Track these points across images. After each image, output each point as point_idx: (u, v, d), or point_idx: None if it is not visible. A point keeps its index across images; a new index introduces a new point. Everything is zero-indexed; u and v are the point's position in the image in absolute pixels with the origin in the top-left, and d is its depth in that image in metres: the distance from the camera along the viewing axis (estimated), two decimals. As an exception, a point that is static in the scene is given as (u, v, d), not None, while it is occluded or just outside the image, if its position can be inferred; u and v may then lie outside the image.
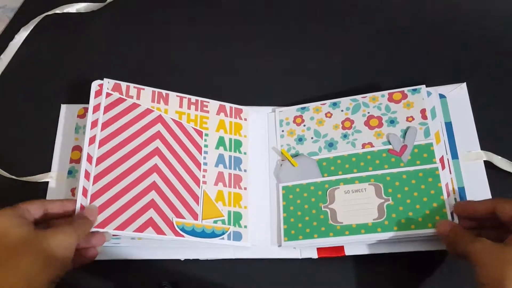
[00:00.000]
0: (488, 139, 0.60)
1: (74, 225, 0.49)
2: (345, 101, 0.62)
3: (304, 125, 0.63)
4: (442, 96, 0.61)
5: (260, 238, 0.59)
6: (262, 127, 0.65)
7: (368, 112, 0.61)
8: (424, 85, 0.60)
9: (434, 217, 0.53)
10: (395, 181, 0.56)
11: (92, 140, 0.57)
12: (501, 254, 0.41)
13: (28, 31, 0.76)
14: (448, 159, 0.57)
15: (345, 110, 0.62)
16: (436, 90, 0.62)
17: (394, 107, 0.60)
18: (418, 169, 0.55)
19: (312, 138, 0.62)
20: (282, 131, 0.64)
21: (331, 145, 0.61)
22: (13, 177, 0.64)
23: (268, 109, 0.67)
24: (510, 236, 0.44)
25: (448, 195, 0.54)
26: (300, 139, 0.62)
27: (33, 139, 0.68)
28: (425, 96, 0.59)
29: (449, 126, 0.60)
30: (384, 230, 0.54)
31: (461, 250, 0.46)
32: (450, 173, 0.56)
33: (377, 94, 0.62)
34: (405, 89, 0.61)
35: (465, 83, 0.63)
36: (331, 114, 0.62)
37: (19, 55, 0.75)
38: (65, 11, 0.77)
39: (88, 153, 0.56)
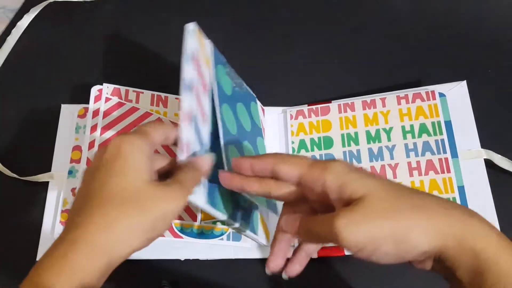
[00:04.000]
0: (489, 138, 0.60)
1: (184, 183, 0.40)
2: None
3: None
4: (442, 95, 0.61)
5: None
6: (273, 128, 0.65)
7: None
8: None
9: None
10: None
11: (91, 144, 0.57)
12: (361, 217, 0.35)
13: (32, 18, 0.76)
14: (447, 158, 0.57)
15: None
16: (436, 88, 0.62)
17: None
18: None
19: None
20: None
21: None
22: (14, 175, 0.64)
23: (279, 109, 0.66)
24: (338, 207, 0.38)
25: None
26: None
27: (33, 139, 0.68)
28: None
29: (448, 124, 0.59)
30: None
31: (321, 240, 0.40)
32: (450, 172, 0.56)
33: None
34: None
35: (465, 81, 0.63)
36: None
37: (19, 55, 0.75)
38: None
39: (88, 158, 0.57)
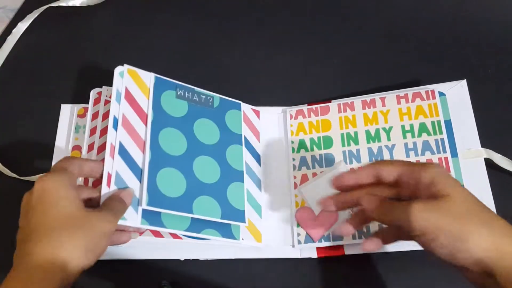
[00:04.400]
0: (489, 137, 0.60)
1: (114, 210, 0.47)
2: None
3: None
4: (441, 94, 0.61)
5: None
6: (272, 128, 0.65)
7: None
8: None
9: None
10: None
11: (91, 147, 0.58)
12: (439, 210, 0.40)
13: (31, 20, 0.77)
14: (447, 157, 0.57)
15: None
16: (436, 88, 0.61)
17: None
18: None
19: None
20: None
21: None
22: (14, 175, 0.64)
23: (278, 109, 0.66)
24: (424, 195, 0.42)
25: None
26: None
27: (33, 139, 0.68)
28: None
29: (448, 124, 0.59)
30: None
31: (394, 219, 0.43)
32: (449, 171, 0.56)
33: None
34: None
35: (465, 80, 0.63)
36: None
37: (20, 55, 0.75)
38: (70, 4, 0.78)
39: None
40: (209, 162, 0.57)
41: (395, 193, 0.45)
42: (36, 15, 0.77)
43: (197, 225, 0.53)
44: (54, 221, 0.42)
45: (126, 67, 0.55)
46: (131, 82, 0.55)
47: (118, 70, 0.54)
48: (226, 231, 0.55)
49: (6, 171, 0.65)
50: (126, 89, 0.54)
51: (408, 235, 0.42)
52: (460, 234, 0.39)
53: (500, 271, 0.38)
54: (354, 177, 0.46)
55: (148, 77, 0.56)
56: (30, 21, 0.77)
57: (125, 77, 0.54)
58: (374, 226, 0.56)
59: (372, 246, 0.47)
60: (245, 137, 0.61)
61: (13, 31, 0.76)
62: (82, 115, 0.66)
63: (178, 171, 0.54)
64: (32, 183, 0.63)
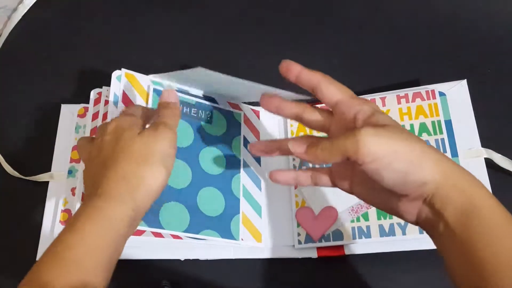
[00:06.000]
0: (489, 137, 0.60)
1: (169, 123, 0.46)
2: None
3: None
4: (442, 94, 0.61)
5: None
6: (273, 128, 0.65)
7: None
8: None
9: None
10: None
11: None
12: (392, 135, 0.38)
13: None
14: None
15: None
16: (436, 87, 0.61)
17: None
18: None
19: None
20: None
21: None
22: (16, 173, 0.64)
23: None
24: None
25: None
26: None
27: (33, 139, 0.68)
28: None
29: (448, 124, 0.59)
30: None
31: (339, 152, 0.39)
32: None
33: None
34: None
35: (465, 80, 0.63)
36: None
37: (20, 54, 0.75)
38: None
39: None
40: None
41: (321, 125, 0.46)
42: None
43: (196, 226, 0.54)
44: (122, 152, 0.42)
45: (123, 71, 0.55)
46: (129, 85, 0.55)
47: (115, 74, 0.55)
48: (225, 232, 0.55)
49: (8, 168, 0.65)
50: (124, 93, 0.55)
51: (347, 170, 0.43)
52: (414, 156, 0.37)
53: (440, 193, 0.38)
54: (297, 72, 0.46)
55: (146, 81, 0.57)
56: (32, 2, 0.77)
57: (123, 80, 0.55)
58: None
59: (284, 177, 0.48)
60: (244, 137, 0.61)
61: (13, 14, 0.76)
62: (82, 115, 0.66)
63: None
64: (32, 183, 0.64)
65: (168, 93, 0.49)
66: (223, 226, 0.55)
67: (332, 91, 0.44)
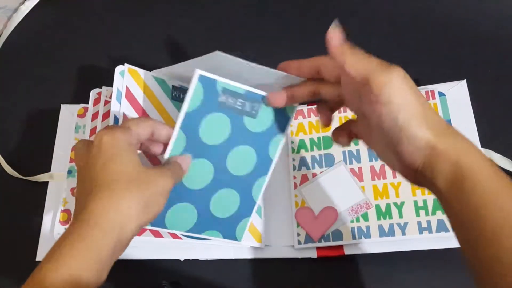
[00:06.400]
0: (488, 137, 0.60)
1: (171, 170, 0.45)
2: None
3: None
4: (441, 94, 0.61)
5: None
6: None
7: None
8: None
9: None
10: None
11: None
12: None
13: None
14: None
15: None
16: (436, 88, 0.61)
17: None
18: None
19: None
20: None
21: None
22: (16, 173, 0.64)
23: None
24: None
25: None
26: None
27: (33, 139, 0.68)
28: None
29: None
30: None
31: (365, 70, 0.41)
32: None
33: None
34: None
35: (465, 81, 0.63)
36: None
37: (20, 54, 0.75)
38: None
39: None
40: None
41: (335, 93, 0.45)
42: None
43: (200, 227, 0.52)
44: (115, 175, 0.40)
45: (126, 66, 0.55)
46: (132, 81, 0.55)
47: (118, 69, 0.54)
48: (229, 233, 0.54)
49: (8, 169, 0.65)
50: (127, 88, 0.54)
51: (358, 101, 0.41)
52: (422, 107, 0.38)
53: (431, 161, 0.37)
54: (296, 65, 0.46)
55: (149, 77, 0.56)
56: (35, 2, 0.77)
57: (126, 76, 0.54)
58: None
59: (279, 99, 0.48)
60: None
61: (14, 15, 0.76)
62: (82, 115, 0.66)
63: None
64: (32, 183, 0.64)
65: (184, 159, 0.47)
66: (228, 227, 0.54)
67: (334, 65, 0.44)
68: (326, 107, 0.47)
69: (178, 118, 0.46)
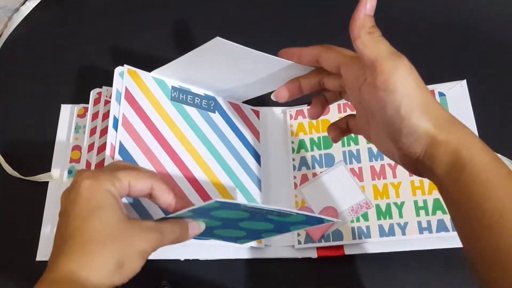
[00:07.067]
0: (489, 137, 0.59)
1: (163, 232, 0.41)
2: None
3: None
4: (441, 94, 0.61)
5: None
6: (272, 128, 0.65)
7: None
8: None
9: None
10: None
11: (90, 147, 0.58)
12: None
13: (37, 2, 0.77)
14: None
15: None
16: (436, 88, 0.61)
17: None
18: None
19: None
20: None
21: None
22: (16, 173, 0.64)
23: (278, 109, 0.66)
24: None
25: None
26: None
27: (33, 139, 0.68)
28: None
29: (448, 124, 0.59)
30: None
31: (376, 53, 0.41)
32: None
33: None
34: None
35: (465, 81, 0.63)
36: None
37: (19, 54, 0.75)
38: None
39: (87, 160, 0.57)
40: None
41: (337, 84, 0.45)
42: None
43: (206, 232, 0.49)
44: (94, 231, 0.37)
45: (126, 67, 0.55)
46: (131, 82, 0.55)
47: (118, 70, 0.54)
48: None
49: (9, 169, 0.65)
50: (126, 89, 0.54)
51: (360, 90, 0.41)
52: (425, 97, 0.38)
53: (431, 151, 0.37)
54: (297, 53, 0.46)
55: (148, 78, 0.56)
56: (36, 3, 0.77)
57: (125, 77, 0.54)
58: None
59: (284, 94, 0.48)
60: (245, 137, 0.61)
61: (15, 15, 0.76)
62: (82, 115, 0.66)
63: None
64: (32, 183, 0.64)
65: (195, 227, 0.44)
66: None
67: (334, 55, 0.45)
68: (322, 100, 0.48)
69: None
